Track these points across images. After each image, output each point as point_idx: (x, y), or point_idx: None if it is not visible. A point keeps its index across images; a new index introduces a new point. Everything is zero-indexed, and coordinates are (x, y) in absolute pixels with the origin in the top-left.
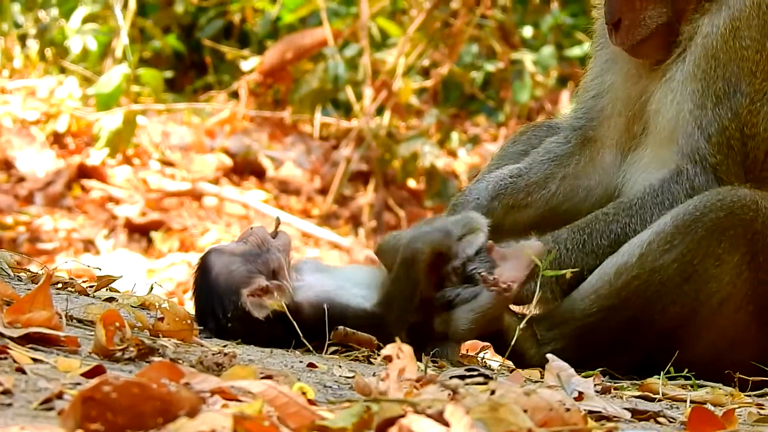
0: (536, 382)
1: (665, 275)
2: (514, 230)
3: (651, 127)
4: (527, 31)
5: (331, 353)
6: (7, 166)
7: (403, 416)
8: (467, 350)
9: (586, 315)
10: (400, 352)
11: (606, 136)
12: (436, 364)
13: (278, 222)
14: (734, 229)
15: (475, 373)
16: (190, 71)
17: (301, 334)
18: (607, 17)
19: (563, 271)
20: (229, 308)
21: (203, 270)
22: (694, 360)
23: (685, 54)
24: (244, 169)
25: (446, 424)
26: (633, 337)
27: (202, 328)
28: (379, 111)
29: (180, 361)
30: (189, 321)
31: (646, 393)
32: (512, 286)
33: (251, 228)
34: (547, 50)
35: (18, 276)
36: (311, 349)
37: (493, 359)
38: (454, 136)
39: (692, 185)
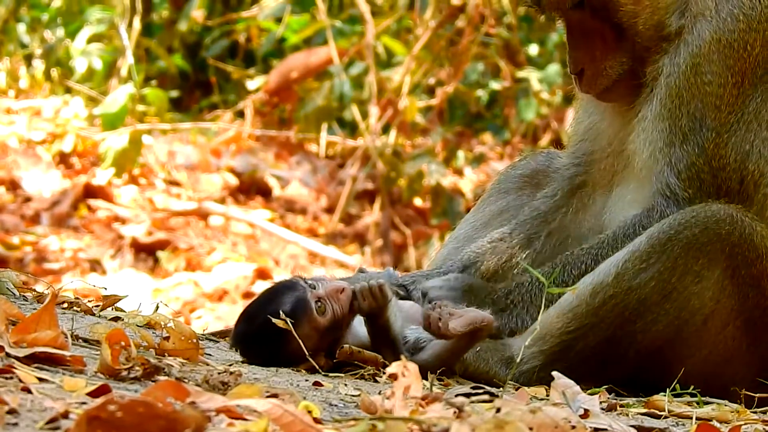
0: (542, 399)
1: (643, 294)
2: None
3: (630, 165)
4: (533, 49)
5: (337, 372)
6: (14, 186)
7: None
8: None
9: (563, 332)
10: (405, 370)
11: (596, 179)
12: (441, 382)
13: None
14: (711, 244)
15: (481, 390)
16: (195, 91)
17: (307, 353)
18: (570, 67)
19: (567, 289)
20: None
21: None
22: (691, 377)
23: (652, 94)
24: (250, 188)
25: None
26: (615, 355)
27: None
28: (385, 129)
29: (185, 380)
30: (195, 340)
31: (652, 410)
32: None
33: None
34: (553, 68)
35: (24, 296)
36: (318, 367)
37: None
38: (460, 154)
39: (663, 217)
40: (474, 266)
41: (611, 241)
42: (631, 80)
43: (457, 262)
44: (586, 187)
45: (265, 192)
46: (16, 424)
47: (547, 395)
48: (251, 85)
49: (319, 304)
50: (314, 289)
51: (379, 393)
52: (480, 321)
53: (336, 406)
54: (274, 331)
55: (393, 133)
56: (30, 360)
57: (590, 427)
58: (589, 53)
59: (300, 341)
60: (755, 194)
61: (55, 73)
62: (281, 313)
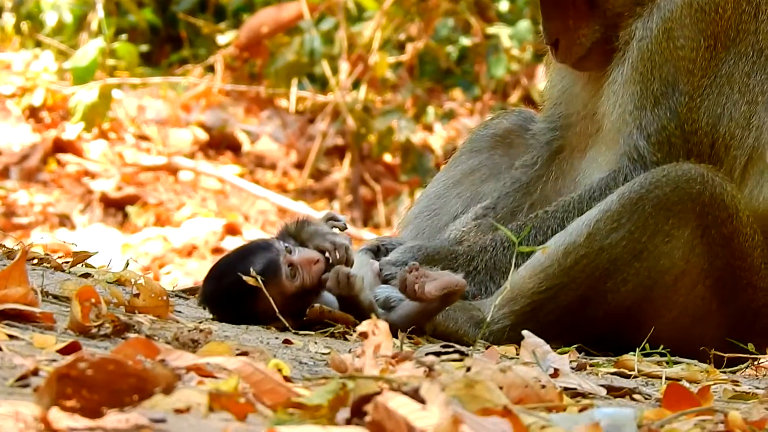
0: (512, 358)
1: (614, 254)
2: None
3: (602, 129)
4: (503, 5)
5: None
6: None
7: (379, 393)
8: None
9: (535, 293)
10: (375, 328)
11: (573, 143)
12: (411, 341)
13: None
14: (681, 203)
15: (451, 349)
16: (165, 45)
17: (277, 311)
18: (545, 39)
19: (537, 248)
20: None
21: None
22: (661, 337)
23: (624, 58)
24: (220, 143)
25: (422, 400)
26: (585, 315)
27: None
28: (355, 85)
29: (156, 338)
30: (165, 297)
31: (622, 370)
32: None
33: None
34: (523, 24)
35: None
36: (287, 325)
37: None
38: (430, 110)
39: (628, 180)
40: (461, 245)
41: (577, 204)
42: (604, 48)
43: (444, 242)
44: (564, 152)
45: (234, 147)
46: None
47: (518, 354)
48: (221, 39)
49: (291, 269)
50: (290, 253)
51: (349, 351)
52: (454, 284)
53: (306, 364)
54: (243, 290)
55: (363, 88)
56: (0, 317)
57: (560, 386)
58: (563, 23)
59: (271, 300)
60: (726, 157)
61: (25, 26)
62: (251, 271)
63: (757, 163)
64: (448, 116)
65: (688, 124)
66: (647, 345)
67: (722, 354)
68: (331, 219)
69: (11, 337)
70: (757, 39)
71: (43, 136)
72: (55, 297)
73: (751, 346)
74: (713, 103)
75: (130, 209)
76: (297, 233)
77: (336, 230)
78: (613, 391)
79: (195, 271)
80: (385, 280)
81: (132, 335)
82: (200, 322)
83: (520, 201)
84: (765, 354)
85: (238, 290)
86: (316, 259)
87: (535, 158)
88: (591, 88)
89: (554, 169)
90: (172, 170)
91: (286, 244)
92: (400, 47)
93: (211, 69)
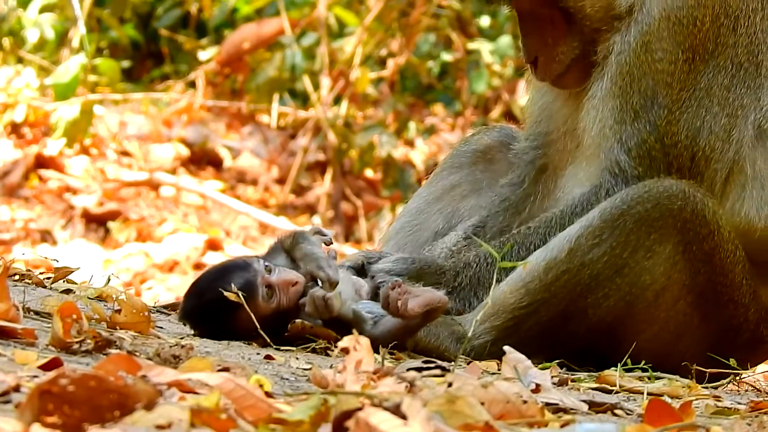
0: (493, 374)
1: (595, 269)
2: None
3: (582, 143)
4: (484, 21)
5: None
6: None
7: (360, 409)
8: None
9: (516, 308)
10: (357, 344)
11: (555, 161)
12: (393, 357)
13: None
14: (663, 219)
15: (432, 365)
16: (147, 61)
17: (258, 326)
18: (524, 57)
19: (518, 263)
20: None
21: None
22: (643, 352)
23: (603, 72)
24: (202, 159)
25: (403, 416)
26: (566, 331)
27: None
28: (337, 100)
29: (137, 354)
30: (146, 313)
31: (603, 385)
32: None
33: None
34: (504, 40)
35: None
36: (269, 341)
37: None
38: (411, 125)
39: (610, 195)
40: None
41: (559, 219)
42: (584, 62)
43: (435, 256)
44: (548, 170)
45: (216, 163)
46: None
47: (499, 370)
48: (203, 55)
49: (268, 290)
50: (270, 273)
51: (331, 367)
52: (436, 301)
53: (287, 379)
54: (221, 307)
55: (344, 104)
56: None
57: (541, 402)
58: (541, 41)
59: (252, 316)
60: (706, 170)
61: (6, 42)
62: (225, 293)
63: (737, 177)
64: (430, 131)
65: (668, 137)
66: (629, 360)
67: (704, 369)
68: (317, 233)
69: None
70: (735, 52)
71: (24, 152)
72: (37, 313)
73: (732, 362)
74: (693, 116)
75: (111, 225)
76: (290, 249)
77: (327, 249)
78: (595, 407)
79: (176, 287)
80: (377, 287)
81: (113, 351)
82: (182, 338)
83: (510, 220)
84: (747, 369)
85: (217, 307)
86: (294, 281)
87: (521, 176)
88: (571, 104)
89: (541, 187)
90: (154, 186)
91: (267, 264)
92: (382, 63)
93: (192, 85)
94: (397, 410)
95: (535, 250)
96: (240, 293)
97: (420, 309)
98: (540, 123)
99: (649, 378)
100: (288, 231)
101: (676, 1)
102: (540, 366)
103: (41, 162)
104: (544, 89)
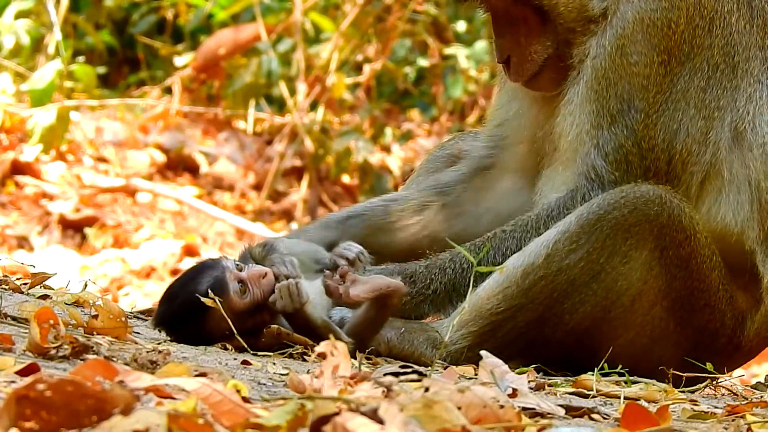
0: (470, 379)
1: (572, 275)
2: (387, 252)
3: (558, 148)
4: (460, 26)
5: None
6: None
7: (337, 414)
8: None
9: (493, 314)
10: (334, 349)
11: (507, 162)
12: (370, 362)
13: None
14: (639, 225)
15: (409, 370)
16: (123, 67)
17: (235, 331)
18: (497, 57)
19: (495, 268)
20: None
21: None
22: (619, 357)
23: (579, 77)
24: (178, 164)
25: (380, 421)
26: (543, 336)
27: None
28: (313, 106)
29: (114, 359)
30: (123, 318)
31: (580, 389)
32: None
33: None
34: (480, 45)
35: None
36: (246, 347)
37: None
38: (388, 131)
39: (586, 200)
40: (359, 218)
41: (534, 223)
42: (557, 66)
43: (343, 212)
44: (493, 170)
45: (192, 169)
46: None
47: (476, 374)
48: (179, 61)
49: (241, 285)
50: (240, 271)
51: (308, 372)
52: (386, 286)
53: (264, 385)
54: (192, 310)
55: (321, 109)
56: None
57: (518, 406)
58: (514, 40)
59: (226, 317)
60: (683, 173)
61: None
62: (197, 294)
63: (714, 181)
64: (406, 137)
65: (645, 141)
66: (606, 365)
67: (681, 374)
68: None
69: None
70: (711, 54)
71: (0, 158)
72: (14, 318)
73: (709, 366)
74: (669, 119)
75: (88, 231)
76: (260, 260)
77: (294, 260)
78: (572, 411)
79: (153, 293)
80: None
81: (90, 356)
82: (159, 343)
83: (433, 198)
84: (723, 374)
85: (188, 311)
86: (264, 273)
87: (461, 167)
88: (547, 109)
89: (478, 181)
90: (130, 192)
91: (238, 263)
92: (358, 68)
93: (168, 91)
94: (374, 415)
95: (510, 255)
96: (212, 293)
97: (366, 294)
98: (502, 126)
99: (625, 382)
100: (259, 240)
101: (650, 3)
102: (517, 371)
103: (17, 168)
104: (518, 93)
